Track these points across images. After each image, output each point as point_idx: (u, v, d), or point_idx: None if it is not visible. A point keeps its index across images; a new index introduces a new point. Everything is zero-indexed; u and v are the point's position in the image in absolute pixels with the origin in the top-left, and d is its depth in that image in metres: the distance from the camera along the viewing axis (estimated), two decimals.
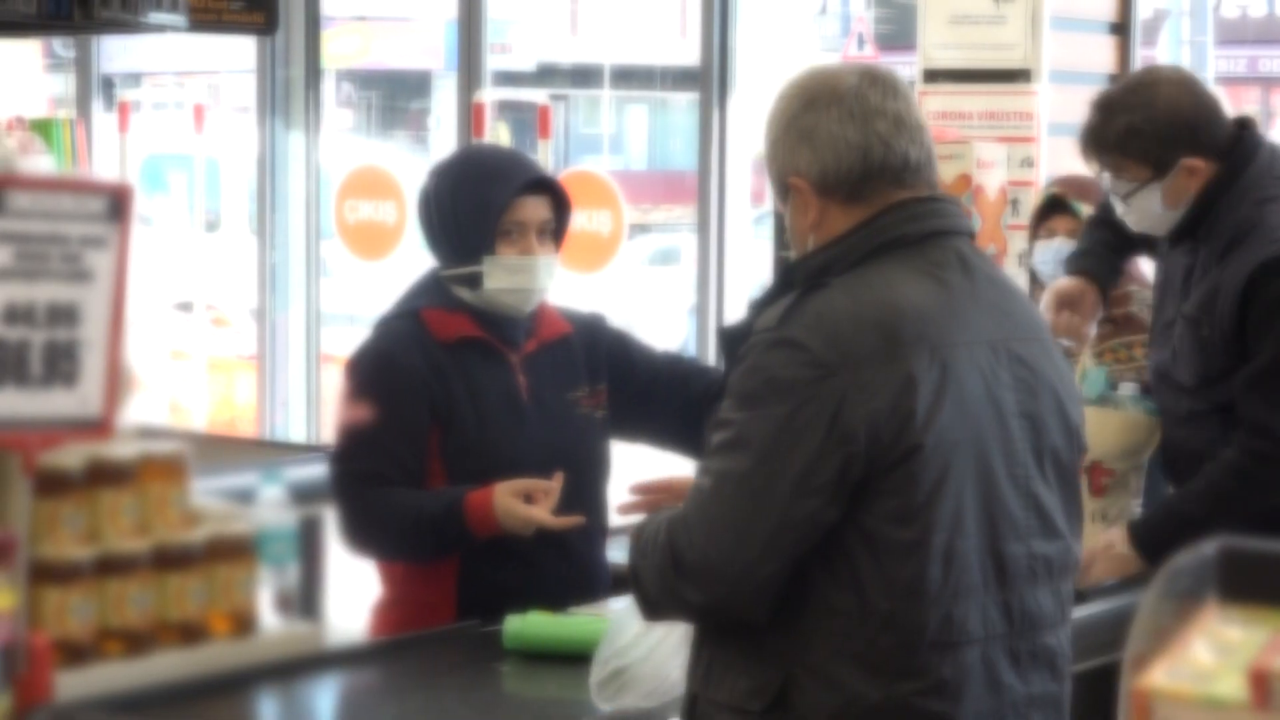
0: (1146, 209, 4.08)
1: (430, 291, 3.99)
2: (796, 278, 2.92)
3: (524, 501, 3.73)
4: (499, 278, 3.91)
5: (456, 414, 3.87)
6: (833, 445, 2.74)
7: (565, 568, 3.87)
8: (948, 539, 2.78)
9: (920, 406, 2.76)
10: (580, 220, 7.49)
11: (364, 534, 3.78)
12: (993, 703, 2.84)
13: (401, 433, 3.84)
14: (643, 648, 3.14)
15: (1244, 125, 4.10)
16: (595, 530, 3.95)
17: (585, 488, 3.94)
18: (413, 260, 4.07)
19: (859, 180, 2.91)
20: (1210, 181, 4.00)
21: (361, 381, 3.91)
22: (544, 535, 3.76)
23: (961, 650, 2.80)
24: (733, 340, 2.94)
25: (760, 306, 2.94)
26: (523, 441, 3.90)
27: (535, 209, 3.95)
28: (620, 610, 3.22)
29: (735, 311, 7.35)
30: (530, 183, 3.95)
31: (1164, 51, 13.74)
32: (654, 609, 2.97)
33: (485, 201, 3.90)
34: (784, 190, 2.98)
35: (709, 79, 7.34)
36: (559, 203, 4.01)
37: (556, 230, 4.02)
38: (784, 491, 2.75)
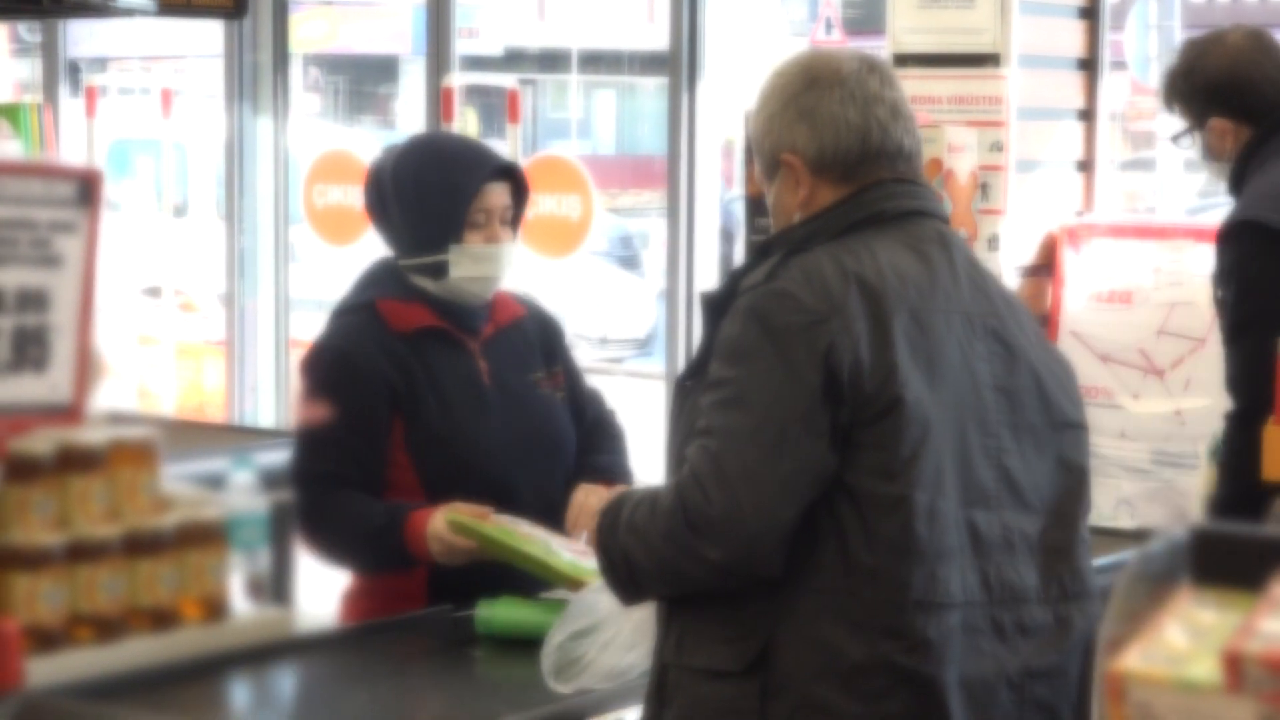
0: (1196, 154, 4.33)
1: (384, 281, 3.95)
2: (777, 248, 2.97)
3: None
4: (466, 266, 3.88)
5: (420, 405, 3.85)
6: (826, 389, 2.79)
7: None
8: (930, 498, 2.82)
9: (901, 361, 2.82)
10: (550, 205, 7.48)
11: (315, 540, 3.74)
12: (979, 671, 2.86)
13: (361, 432, 3.80)
14: (602, 636, 3.14)
15: None
16: (554, 518, 3.93)
17: (555, 467, 3.94)
18: (382, 246, 4.03)
19: (855, 161, 2.98)
20: (1245, 144, 4.19)
21: (318, 381, 3.88)
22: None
23: (945, 612, 2.83)
24: (714, 305, 2.97)
25: (740, 274, 2.99)
26: (488, 427, 3.89)
27: (500, 196, 3.93)
28: (579, 598, 3.22)
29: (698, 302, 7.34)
30: (495, 169, 3.93)
31: (1132, 35, 13.76)
32: (642, 587, 2.97)
33: (453, 189, 3.87)
34: (774, 166, 3.03)
35: (678, 63, 7.34)
36: (517, 189, 3.98)
37: (515, 217, 3.99)
38: (795, 435, 2.79)
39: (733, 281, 2.98)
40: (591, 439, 4.08)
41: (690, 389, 2.95)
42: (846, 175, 2.98)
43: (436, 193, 3.88)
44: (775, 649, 2.83)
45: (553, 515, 3.85)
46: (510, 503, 3.81)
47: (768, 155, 3.04)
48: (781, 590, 2.83)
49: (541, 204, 7.31)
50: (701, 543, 2.80)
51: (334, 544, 3.80)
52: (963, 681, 2.84)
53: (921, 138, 3.06)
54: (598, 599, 3.13)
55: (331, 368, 3.87)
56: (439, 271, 3.89)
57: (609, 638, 3.14)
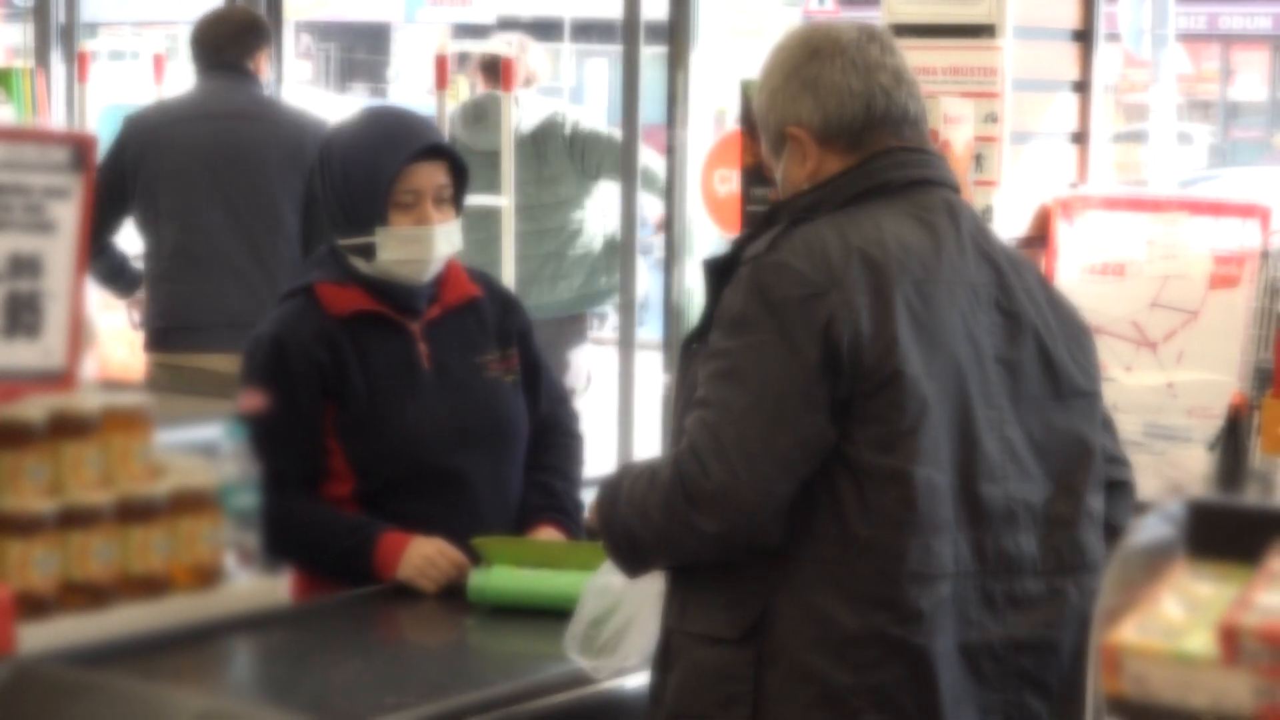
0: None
1: (325, 263, 3.88)
2: (782, 216, 2.97)
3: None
4: (393, 249, 3.78)
5: (349, 389, 3.77)
6: (824, 362, 2.79)
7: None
8: (928, 472, 2.82)
9: (902, 335, 2.82)
10: None
11: (272, 547, 3.65)
12: (964, 639, 2.87)
13: (296, 423, 3.72)
14: (621, 616, 3.13)
15: None
16: (510, 504, 3.89)
17: (504, 450, 3.88)
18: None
19: (861, 129, 2.98)
20: None
21: (253, 370, 3.82)
22: (453, 512, 3.73)
23: (937, 583, 2.84)
24: (716, 271, 2.98)
25: (743, 241, 2.99)
26: (419, 411, 3.80)
27: (429, 175, 3.80)
28: (592, 583, 3.20)
29: (699, 268, 7.34)
30: (423, 149, 3.80)
31: (1126, 7, 13.73)
32: (644, 559, 2.97)
33: (375, 170, 3.76)
34: (780, 140, 3.03)
35: (677, 32, 7.31)
36: (457, 166, 3.87)
37: (457, 195, 3.86)
38: (793, 410, 2.80)
39: (736, 248, 2.98)
40: (543, 438, 4.00)
41: (696, 351, 2.96)
42: (853, 144, 2.98)
43: (359, 174, 3.78)
44: (771, 618, 2.84)
45: (506, 497, 3.83)
46: (456, 487, 3.78)
47: (773, 130, 3.04)
48: (778, 560, 2.84)
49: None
50: (698, 515, 2.81)
51: (293, 555, 3.64)
52: (950, 650, 2.85)
53: (926, 102, 3.06)
54: (609, 580, 3.12)
55: (266, 357, 3.80)
56: (370, 253, 3.80)
57: (629, 617, 3.13)
